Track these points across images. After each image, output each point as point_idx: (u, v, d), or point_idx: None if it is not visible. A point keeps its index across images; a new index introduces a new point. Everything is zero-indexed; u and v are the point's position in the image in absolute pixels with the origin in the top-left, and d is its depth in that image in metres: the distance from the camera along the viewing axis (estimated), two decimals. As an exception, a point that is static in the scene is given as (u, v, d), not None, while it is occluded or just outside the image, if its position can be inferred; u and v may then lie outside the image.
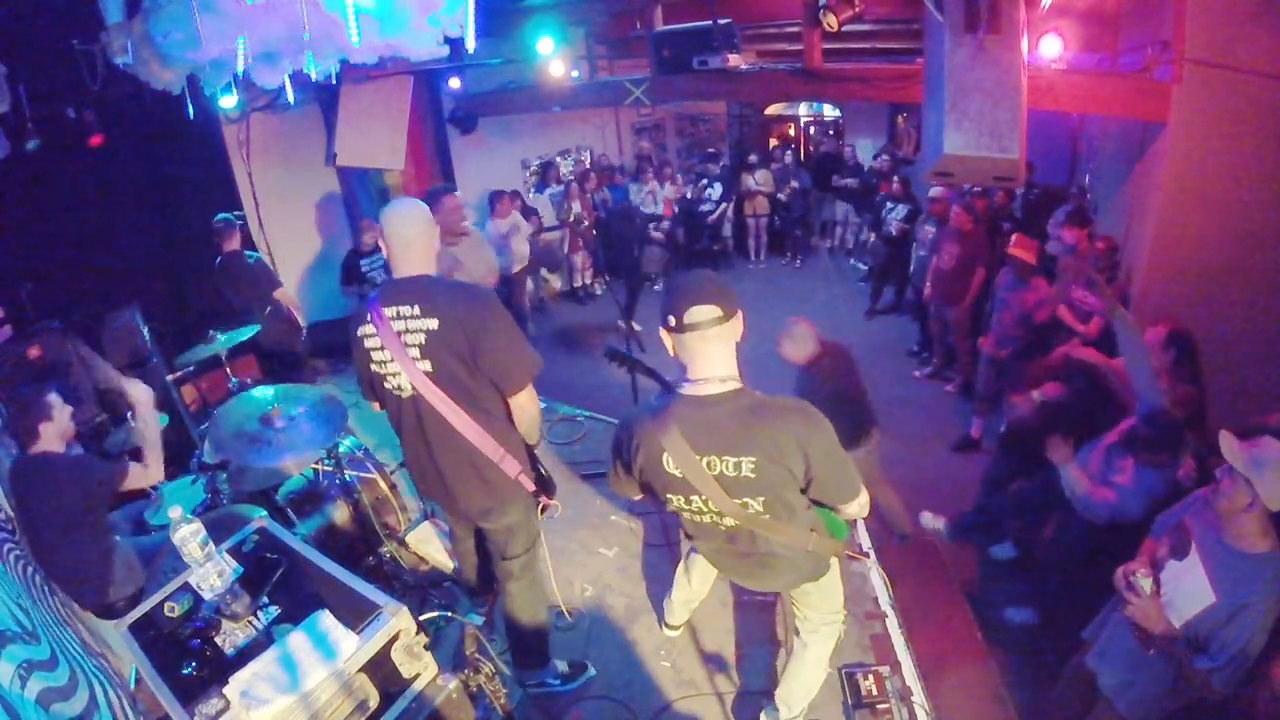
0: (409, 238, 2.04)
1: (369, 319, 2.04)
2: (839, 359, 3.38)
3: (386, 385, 2.10)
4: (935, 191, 5.81)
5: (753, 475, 1.65)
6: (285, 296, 5.05)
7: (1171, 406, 2.81)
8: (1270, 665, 1.84)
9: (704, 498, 1.72)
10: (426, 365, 2.00)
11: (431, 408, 2.03)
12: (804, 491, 1.73)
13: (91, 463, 2.64)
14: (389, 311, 2.00)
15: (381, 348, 2.03)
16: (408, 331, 1.99)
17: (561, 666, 2.59)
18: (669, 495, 1.80)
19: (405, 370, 2.01)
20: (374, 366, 2.09)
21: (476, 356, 1.98)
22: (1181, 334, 3.17)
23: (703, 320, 1.61)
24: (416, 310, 1.97)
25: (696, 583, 2.52)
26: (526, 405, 2.11)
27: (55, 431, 2.62)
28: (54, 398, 2.66)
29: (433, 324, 1.96)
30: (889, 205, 6.96)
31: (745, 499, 1.69)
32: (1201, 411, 3.13)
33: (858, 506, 1.79)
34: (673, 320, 1.63)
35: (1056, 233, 4.59)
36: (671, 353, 1.72)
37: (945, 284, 5.38)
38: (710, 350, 1.65)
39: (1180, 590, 1.98)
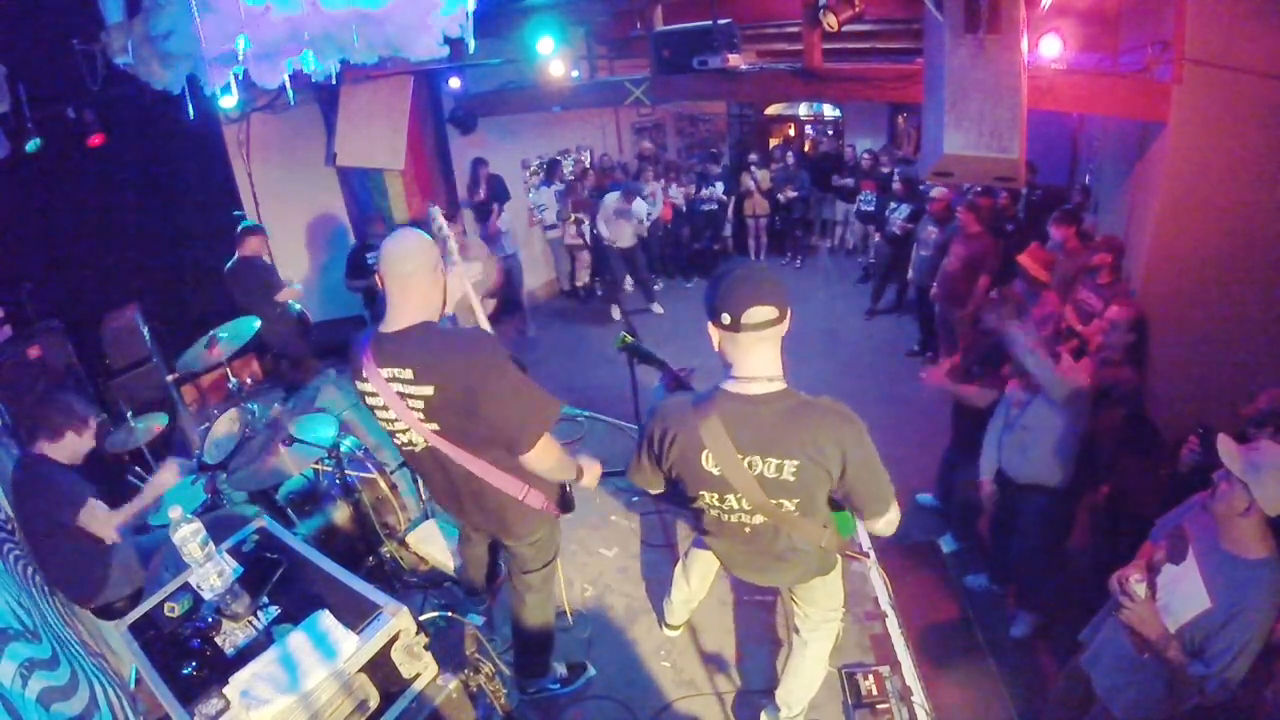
0: (403, 275, 1.81)
1: (364, 374, 1.88)
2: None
3: (397, 440, 1.99)
4: (937, 191, 5.81)
5: (793, 479, 1.64)
6: (292, 293, 5.04)
7: (1121, 385, 3.36)
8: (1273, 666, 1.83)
9: (739, 497, 1.71)
10: (434, 425, 1.87)
11: (448, 456, 1.92)
12: (832, 495, 1.73)
13: (68, 486, 2.53)
14: (385, 373, 1.84)
15: (386, 407, 1.89)
16: (408, 396, 1.84)
17: (560, 670, 2.60)
18: (702, 492, 1.77)
19: (414, 429, 1.89)
20: (381, 423, 1.97)
21: (478, 417, 1.81)
22: (1145, 321, 3.56)
23: (761, 321, 1.58)
24: (410, 375, 1.81)
25: (695, 582, 2.52)
26: (536, 464, 1.90)
27: (76, 445, 2.62)
28: (94, 417, 2.68)
29: (428, 391, 1.80)
30: (892, 205, 6.96)
31: (781, 499, 1.69)
32: (1139, 391, 3.55)
33: (885, 523, 1.74)
34: (728, 319, 1.58)
35: (1050, 230, 4.63)
36: (717, 348, 1.69)
37: (950, 285, 5.39)
38: (762, 350, 1.63)
39: (1176, 594, 1.97)
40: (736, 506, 1.74)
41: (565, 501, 2.25)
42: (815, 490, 1.68)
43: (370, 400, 1.93)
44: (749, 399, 1.64)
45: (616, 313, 7.71)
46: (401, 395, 1.84)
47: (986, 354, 3.67)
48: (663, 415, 1.78)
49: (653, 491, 1.99)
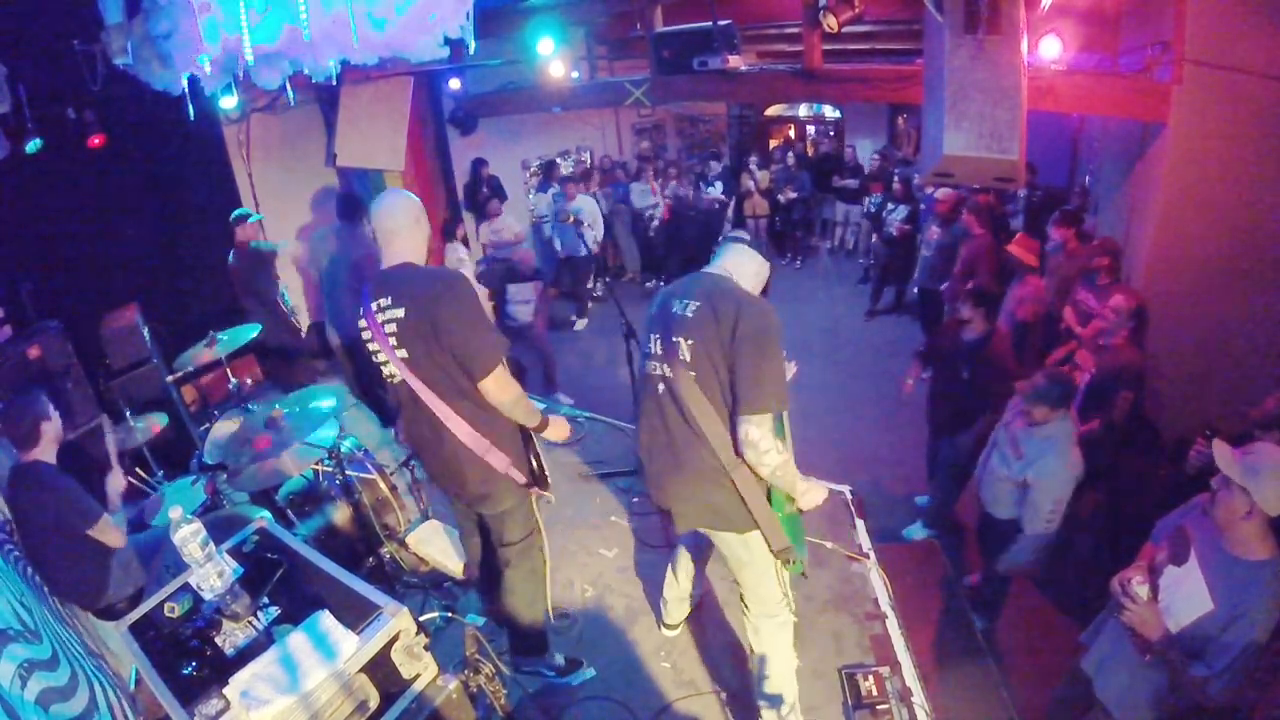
0: (389, 230, 2.13)
1: (362, 311, 2.13)
2: None
3: (383, 374, 2.17)
4: (942, 193, 5.79)
5: (690, 315, 2.00)
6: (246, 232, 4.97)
7: (1123, 365, 3.50)
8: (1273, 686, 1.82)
9: (657, 335, 2.09)
10: (404, 353, 2.06)
11: (417, 396, 2.08)
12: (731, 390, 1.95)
13: (78, 497, 2.56)
14: (374, 304, 2.09)
15: (372, 339, 2.11)
16: (386, 321, 2.07)
17: (559, 659, 2.61)
18: (650, 334, 2.15)
19: (389, 358, 2.08)
20: (372, 356, 2.16)
21: (440, 341, 2.00)
22: (1144, 309, 3.67)
23: (734, 236, 2.18)
24: (389, 300, 2.06)
25: (683, 577, 2.56)
26: (494, 393, 2.07)
27: (54, 431, 2.61)
28: (44, 394, 2.66)
29: (400, 313, 2.03)
30: (889, 206, 6.95)
31: (679, 337, 2.00)
32: (1141, 373, 3.64)
33: (748, 429, 1.88)
34: (722, 236, 2.13)
35: (1050, 231, 4.63)
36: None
37: (955, 284, 5.41)
38: (730, 255, 2.14)
39: (1178, 596, 1.97)
40: (654, 351, 2.09)
41: (537, 475, 2.31)
42: (706, 341, 1.95)
43: (365, 334, 2.15)
44: (712, 274, 2.12)
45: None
46: (382, 322, 2.07)
47: (964, 348, 3.67)
48: None
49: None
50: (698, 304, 2.01)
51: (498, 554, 2.42)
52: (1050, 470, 2.84)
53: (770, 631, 2.19)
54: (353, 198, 4.85)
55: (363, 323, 2.14)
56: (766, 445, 1.89)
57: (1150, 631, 1.95)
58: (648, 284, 8.69)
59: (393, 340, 2.06)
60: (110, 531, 2.58)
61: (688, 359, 1.99)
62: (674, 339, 2.02)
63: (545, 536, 2.46)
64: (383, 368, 2.15)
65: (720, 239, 2.21)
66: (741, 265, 2.13)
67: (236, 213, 4.97)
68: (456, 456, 2.16)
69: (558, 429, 2.32)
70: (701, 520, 2.13)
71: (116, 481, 2.89)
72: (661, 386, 2.06)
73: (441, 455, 2.20)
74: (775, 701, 2.24)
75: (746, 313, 1.95)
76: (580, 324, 7.67)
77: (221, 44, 2.71)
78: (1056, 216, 4.67)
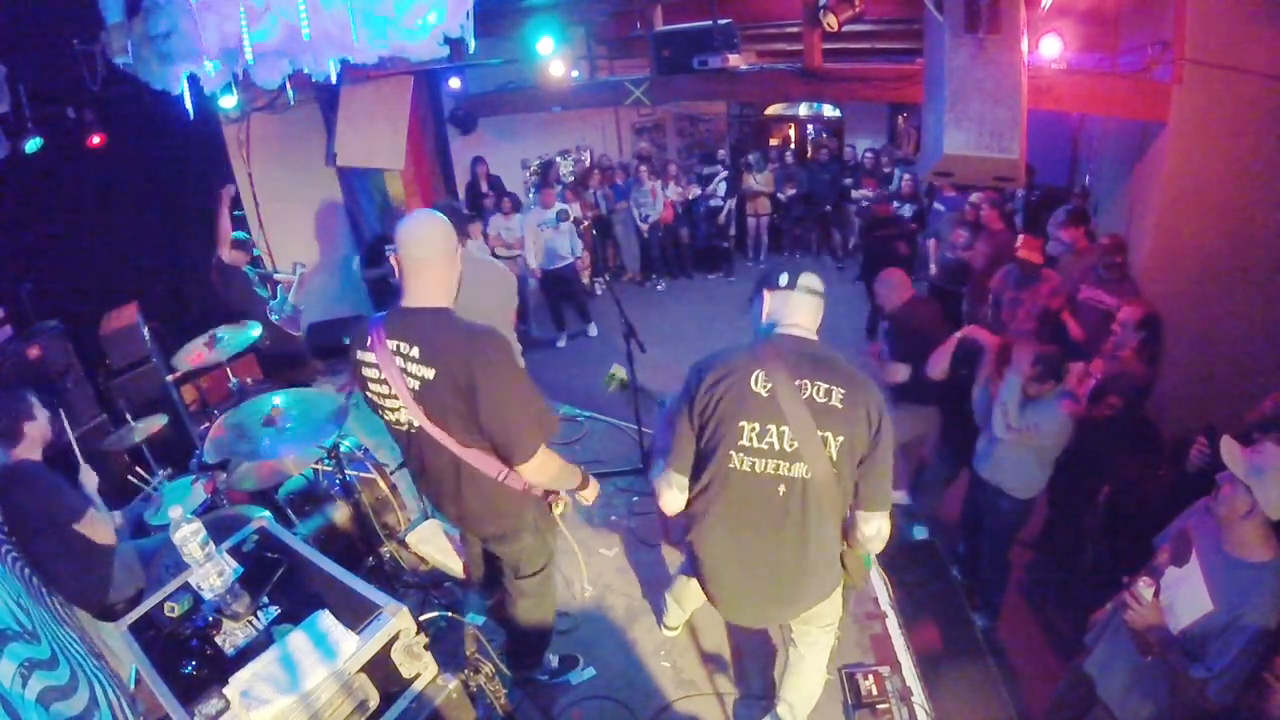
0: (419, 259, 1.84)
1: (369, 343, 1.88)
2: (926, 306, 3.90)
3: (386, 417, 1.99)
4: (976, 196, 5.68)
5: (840, 406, 1.69)
6: (233, 256, 4.72)
7: (1126, 378, 3.33)
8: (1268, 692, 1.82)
9: (782, 429, 1.70)
10: (423, 408, 1.87)
11: (432, 439, 1.91)
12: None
13: (64, 493, 2.53)
14: (392, 344, 1.85)
15: (382, 380, 1.88)
16: (407, 373, 1.85)
17: (552, 662, 2.63)
18: (742, 424, 1.72)
19: (406, 407, 1.88)
20: (371, 395, 1.97)
21: (475, 414, 1.81)
22: (1155, 319, 3.45)
23: (810, 286, 1.84)
24: (416, 354, 1.82)
25: (688, 605, 2.55)
26: (532, 476, 1.92)
27: (38, 432, 2.60)
28: (33, 396, 2.64)
29: (429, 373, 1.81)
30: (895, 205, 6.92)
31: (828, 432, 1.70)
32: (1147, 390, 3.49)
33: (879, 527, 1.78)
34: (785, 279, 1.84)
35: (1056, 233, 4.59)
36: (766, 316, 1.87)
37: (979, 283, 5.37)
38: (809, 311, 1.84)
39: (1179, 597, 1.96)
40: (778, 446, 1.71)
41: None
42: (854, 439, 1.69)
43: (366, 372, 1.93)
44: (800, 338, 1.80)
45: (563, 341, 7.28)
46: (402, 370, 1.85)
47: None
48: (709, 360, 1.85)
49: (676, 473, 1.89)
50: (842, 391, 1.68)
51: (509, 583, 2.36)
52: (1046, 416, 2.94)
53: (827, 642, 2.17)
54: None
55: (368, 356, 1.89)
56: (886, 534, 1.81)
57: (1153, 633, 1.95)
58: (659, 288, 8.64)
59: (412, 394, 1.85)
60: (98, 526, 2.54)
61: (834, 456, 1.70)
62: (819, 433, 1.68)
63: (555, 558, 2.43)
64: (388, 412, 1.95)
65: (771, 280, 1.88)
66: (815, 316, 1.85)
67: (237, 236, 4.87)
68: (476, 492, 2.01)
69: (593, 490, 2.17)
70: (806, 608, 1.99)
71: (89, 478, 2.79)
72: (782, 489, 1.74)
73: (460, 493, 2.03)
74: (796, 708, 2.25)
75: (881, 400, 1.73)
76: (592, 329, 7.39)
77: (221, 44, 2.70)
78: (1063, 218, 4.60)
